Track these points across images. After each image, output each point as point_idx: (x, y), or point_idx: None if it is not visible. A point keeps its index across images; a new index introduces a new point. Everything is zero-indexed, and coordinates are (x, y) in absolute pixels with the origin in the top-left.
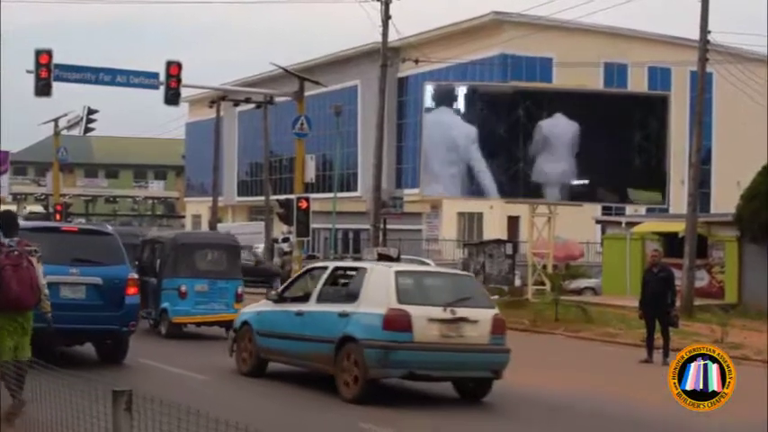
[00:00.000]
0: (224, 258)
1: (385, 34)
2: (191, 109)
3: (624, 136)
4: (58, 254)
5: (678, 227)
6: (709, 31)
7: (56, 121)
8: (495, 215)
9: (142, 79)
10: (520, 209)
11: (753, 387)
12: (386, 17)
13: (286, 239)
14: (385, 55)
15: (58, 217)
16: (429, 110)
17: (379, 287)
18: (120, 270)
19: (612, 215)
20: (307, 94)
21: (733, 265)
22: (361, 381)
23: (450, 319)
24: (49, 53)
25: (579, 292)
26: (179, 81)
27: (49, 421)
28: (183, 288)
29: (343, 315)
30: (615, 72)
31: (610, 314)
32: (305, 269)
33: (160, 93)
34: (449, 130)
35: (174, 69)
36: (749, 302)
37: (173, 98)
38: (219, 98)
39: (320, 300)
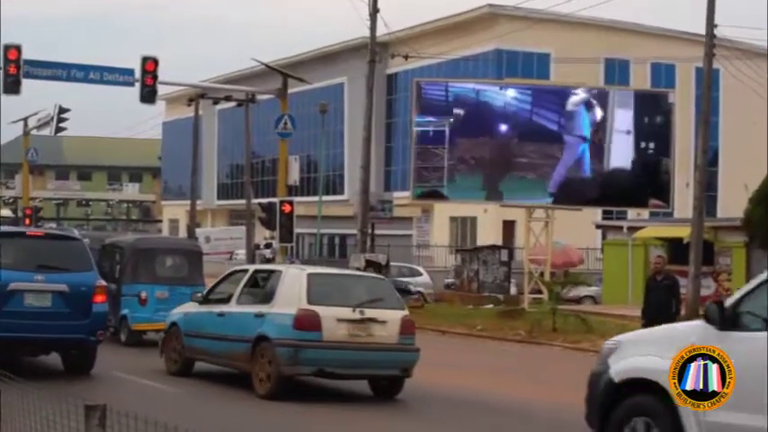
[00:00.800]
0: (185, 264)
1: (373, 28)
2: (168, 107)
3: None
4: (22, 260)
5: (683, 232)
6: (716, 25)
7: (25, 120)
8: (489, 219)
9: (116, 76)
10: (516, 213)
11: None
12: (374, 10)
13: (268, 246)
14: (373, 50)
15: (27, 221)
16: None
17: (291, 289)
18: (88, 277)
19: (614, 219)
20: (290, 91)
21: (741, 272)
22: (274, 378)
23: (359, 320)
24: (18, 48)
25: (578, 300)
26: (155, 78)
27: None
28: (144, 294)
29: (259, 315)
30: (616, 68)
31: (611, 324)
32: (228, 272)
33: (135, 90)
34: None
35: (150, 65)
36: None
37: (149, 96)
38: (198, 96)
39: (240, 301)
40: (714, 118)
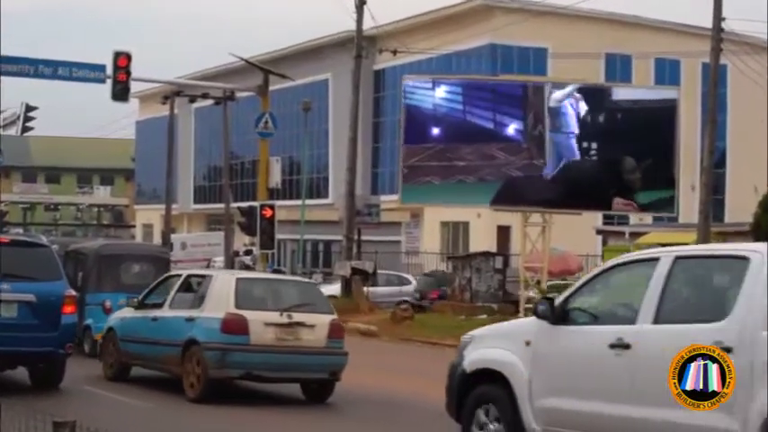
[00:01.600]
0: (152, 271)
1: (359, 21)
2: (141, 105)
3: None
4: None
5: (688, 238)
6: (724, 18)
7: None
8: (482, 224)
9: (87, 72)
10: (511, 217)
11: None
12: (360, 2)
13: (249, 252)
14: (359, 45)
15: None
16: None
17: (221, 293)
18: (56, 286)
19: (615, 225)
20: (271, 88)
21: None
22: (203, 381)
23: (287, 324)
24: None
25: None
26: (128, 74)
27: None
28: (108, 303)
29: (190, 320)
30: (618, 64)
31: None
32: (163, 277)
33: (107, 87)
34: None
35: (122, 61)
36: None
37: (121, 93)
38: (173, 93)
39: (173, 306)
40: (721, 116)
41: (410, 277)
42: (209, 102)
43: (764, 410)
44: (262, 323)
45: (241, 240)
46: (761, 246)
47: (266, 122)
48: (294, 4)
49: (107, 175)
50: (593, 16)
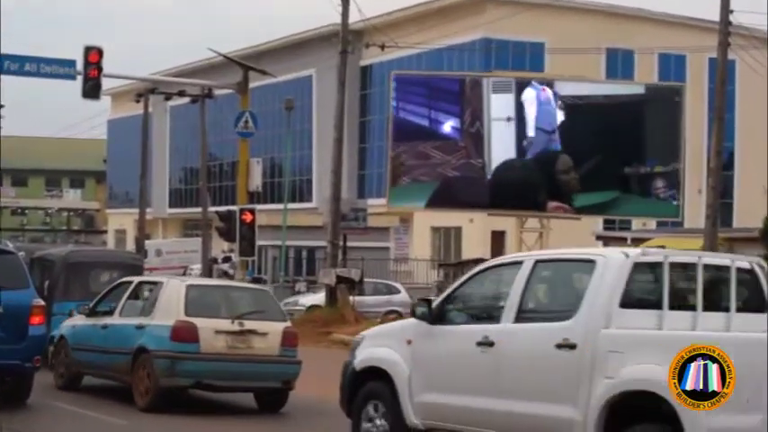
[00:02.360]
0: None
1: (345, 14)
2: (114, 103)
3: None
4: None
5: (695, 244)
6: (732, 11)
7: None
8: (475, 230)
9: (56, 68)
10: (506, 222)
11: None
12: None
13: (227, 259)
14: (345, 39)
15: None
16: None
17: (170, 300)
18: (24, 295)
19: (616, 230)
20: (252, 85)
21: None
22: (153, 390)
23: (238, 331)
24: None
25: None
26: (100, 70)
27: None
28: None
29: (140, 327)
30: (619, 59)
31: None
32: (115, 284)
33: (77, 84)
34: None
35: (93, 56)
36: None
37: (92, 90)
38: (148, 91)
39: (123, 313)
40: (729, 115)
41: (399, 286)
42: (186, 100)
43: (603, 400)
44: (212, 331)
45: (219, 247)
46: (609, 250)
47: (246, 122)
48: None
49: (77, 177)
50: (594, 9)
